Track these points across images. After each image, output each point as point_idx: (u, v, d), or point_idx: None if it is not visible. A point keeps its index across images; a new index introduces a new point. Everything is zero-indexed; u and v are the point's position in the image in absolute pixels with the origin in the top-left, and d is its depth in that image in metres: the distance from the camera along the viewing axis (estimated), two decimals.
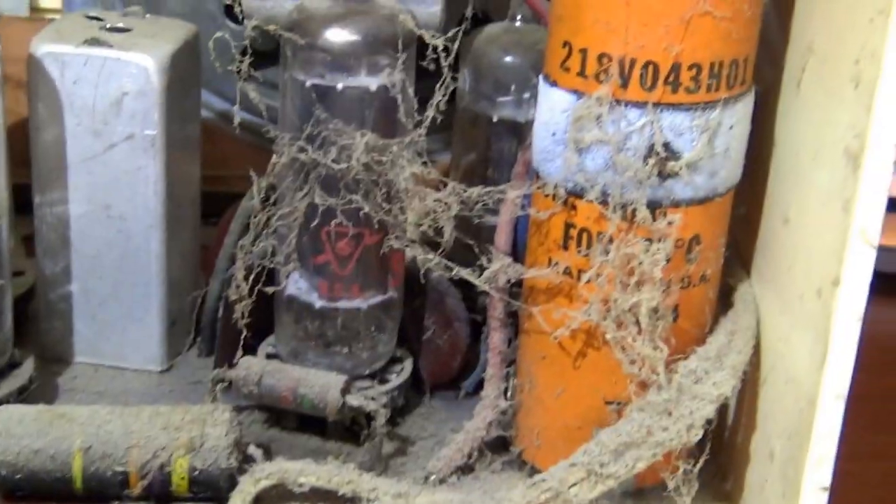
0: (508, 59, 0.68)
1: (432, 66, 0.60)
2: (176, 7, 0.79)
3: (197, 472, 0.57)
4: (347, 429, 0.64)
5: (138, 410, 0.59)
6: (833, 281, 0.50)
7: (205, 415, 0.59)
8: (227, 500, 0.57)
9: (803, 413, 0.53)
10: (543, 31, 0.63)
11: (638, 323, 0.55)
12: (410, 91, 0.60)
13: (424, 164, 0.59)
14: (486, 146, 0.69)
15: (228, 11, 0.77)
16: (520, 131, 0.68)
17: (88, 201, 0.65)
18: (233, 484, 0.57)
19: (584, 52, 0.53)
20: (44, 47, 0.62)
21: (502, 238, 0.61)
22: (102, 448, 0.57)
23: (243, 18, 0.67)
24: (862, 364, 1.03)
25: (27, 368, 0.65)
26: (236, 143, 0.79)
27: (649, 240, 0.55)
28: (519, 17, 0.70)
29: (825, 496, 0.53)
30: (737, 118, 0.55)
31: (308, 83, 0.59)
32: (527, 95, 0.68)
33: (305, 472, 0.58)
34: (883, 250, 0.63)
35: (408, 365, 0.66)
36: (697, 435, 0.54)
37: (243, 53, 0.59)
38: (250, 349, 0.65)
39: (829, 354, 0.51)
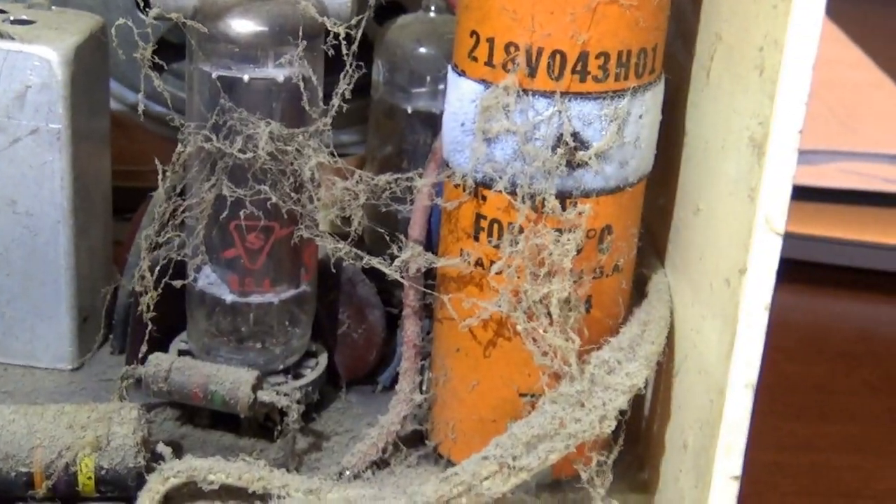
0: (422, 49, 0.68)
1: (344, 57, 0.59)
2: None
3: (104, 472, 0.56)
4: (261, 425, 0.63)
5: (43, 409, 0.58)
6: (740, 269, 0.50)
7: (111, 413, 0.57)
8: (136, 500, 0.56)
9: (714, 403, 0.53)
10: None
11: (549, 314, 0.55)
12: (316, 81, 0.60)
13: (332, 153, 0.58)
14: (401, 138, 0.69)
15: (141, 2, 0.75)
16: (435, 123, 0.66)
17: None
18: (141, 483, 0.56)
19: (490, 41, 0.53)
20: None
21: (416, 228, 0.60)
22: (5, 448, 0.55)
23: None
24: (786, 353, 1.04)
25: None
26: (151, 136, 0.78)
27: (559, 230, 0.54)
28: (433, 7, 0.69)
29: (736, 485, 0.54)
30: (646, 107, 0.55)
31: (214, 75, 0.58)
32: (442, 87, 0.67)
33: (215, 470, 0.57)
34: (792, 238, 0.63)
35: (322, 359, 0.66)
36: (610, 426, 0.54)
37: (155, 44, 0.59)
38: (163, 346, 0.65)
39: (736, 343, 0.51)
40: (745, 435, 0.53)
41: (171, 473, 0.56)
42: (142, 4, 0.69)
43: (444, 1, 0.68)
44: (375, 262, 0.59)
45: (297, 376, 0.64)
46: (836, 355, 1.13)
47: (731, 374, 0.52)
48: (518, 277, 0.55)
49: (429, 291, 0.61)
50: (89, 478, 0.56)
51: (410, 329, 0.62)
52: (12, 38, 0.62)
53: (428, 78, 0.68)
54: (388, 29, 0.68)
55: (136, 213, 0.72)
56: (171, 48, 0.75)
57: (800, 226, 1.17)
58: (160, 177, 0.61)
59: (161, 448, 0.58)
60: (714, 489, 0.53)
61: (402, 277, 0.60)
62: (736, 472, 0.53)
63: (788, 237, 0.52)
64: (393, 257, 0.59)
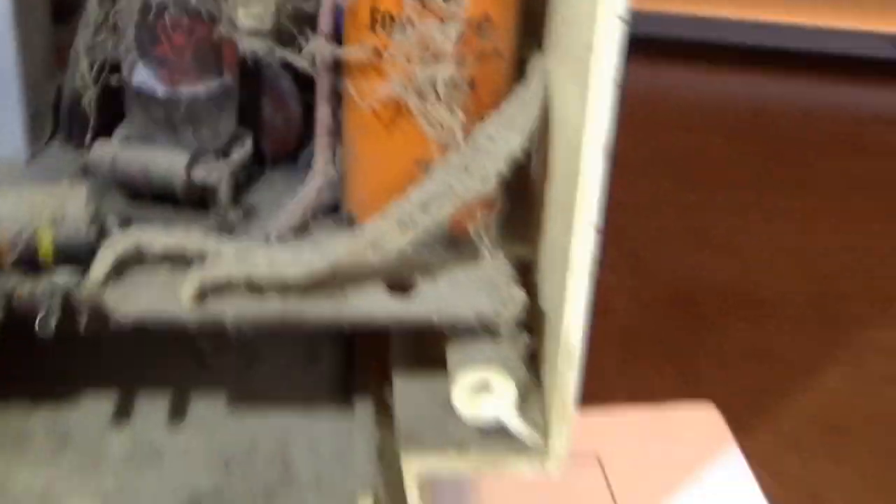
0: None
1: None
2: None
3: (61, 243, 0.58)
4: (197, 202, 0.65)
5: (3, 193, 0.60)
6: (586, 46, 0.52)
7: (64, 192, 0.60)
8: (90, 269, 0.59)
9: (574, 164, 0.55)
10: None
11: (437, 93, 0.58)
12: None
13: None
14: None
15: None
16: None
17: None
18: (94, 253, 0.59)
19: None
20: None
21: (324, 21, 0.61)
22: None
23: None
24: (686, 128, 1.08)
25: None
26: None
27: (442, 19, 0.56)
28: None
29: (593, 233, 0.56)
30: None
31: None
32: None
33: (158, 238, 0.60)
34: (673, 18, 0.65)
35: (248, 143, 0.67)
36: (491, 186, 0.58)
37: None
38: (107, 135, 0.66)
39: (587, 110, 0.53)
40: (600, 189, 0.55)
41: (119, 244, 0.59)
42: None
43: None
44: (288, 54, 0.61)
45: (226, 156, 0.66)
46: (731, 129, 1.19)
47: (591, 134, 0.53)
48: (409, 62, 0.57)
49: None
50: (48, 250, 0.58)
51: (322, 111, 0.64)
52: None
53: None
54: None
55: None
56: None
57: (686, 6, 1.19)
58: None
59: (110, 221, 0.61)
60: (576, 235, 0.56)
61: (313, 67, 0.61)
62: (594, 220, 0.56)
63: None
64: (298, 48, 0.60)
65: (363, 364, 0.77)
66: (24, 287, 0.57)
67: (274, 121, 0.69)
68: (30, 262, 0.58)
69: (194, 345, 0.78)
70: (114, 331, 0.59)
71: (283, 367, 0.78)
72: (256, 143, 0.69)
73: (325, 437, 0.72)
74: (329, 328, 0.62)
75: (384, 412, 0.72)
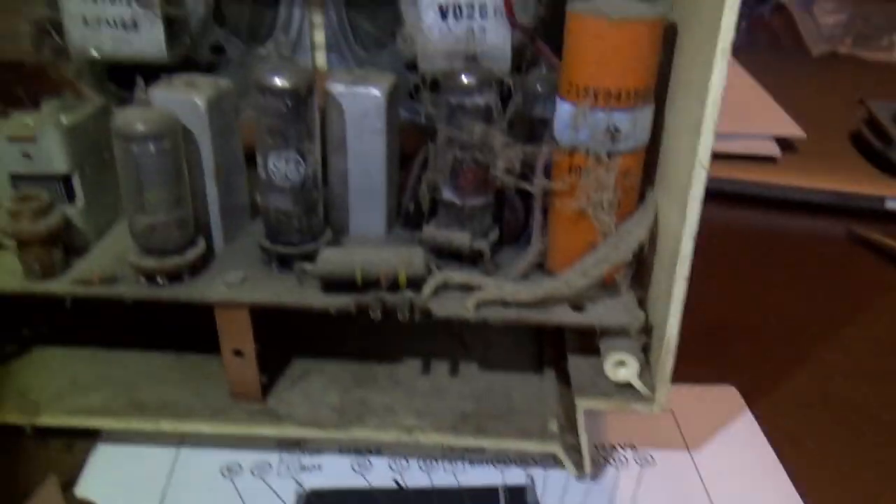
0: (539, 88, 0.71)
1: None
2: None
3: (410, 276, 0.66)
4: (473, 259, 0.70)
5: (381, 249, 0.69)
6: (688, 185, 0.58)
7: (411, 251, 0.68)
8: (424, 287, 0.68)
9: (676, 242, 0.61)
10: None
11: (603, 207, 0.65)
12: (498, 105, 0.66)
13: (507, 145, 0.65)
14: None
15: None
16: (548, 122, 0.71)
17: None
18: (425, 282, 0.67)
19: (577, 84, 0.62)
20: None
21: (539, 168, 0.67)
22: (370, 266, 0.66)
23: None
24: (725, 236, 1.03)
25: None
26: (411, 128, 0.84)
27: (607, 169, 0.64)
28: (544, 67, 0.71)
29: (685, 283, 0.61)
30: (646, 114, 0.64)
31: (453, 101, 0.66)
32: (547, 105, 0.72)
33: (456, 276, 0.68)
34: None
35: (496, 230, 0.72)
36: (629, 257, 0.65)
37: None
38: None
39: (687, 218, 0.59)
40: (690, 255, 0.60)
41: (437, 278, 0.68)
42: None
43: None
44: (520, 183, 0.68)
45: (486, 238, 0.71)
46: (745, 238, 1.17)
47: (684, 233, 0.59)
48: (589, 191, 0.65)
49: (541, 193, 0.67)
50: (403, 280, 0.68)
51: (538, 216, 0.71)
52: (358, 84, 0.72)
53: (548, 103, 0.72)
54: (524, 77, 0.71)
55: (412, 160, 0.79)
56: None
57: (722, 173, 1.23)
58: (424, 148, 0.73)
59: (432, 267, 0.68)
60: (676, 284, 0.62)
61: (534, 191, 0.69)
62: (686, 274, 0.61)
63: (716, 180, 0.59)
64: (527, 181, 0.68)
65: (547, 349, 0.84)
66: (392, 298, 0.68)
67: (509, 219, 0.74)
68: (394, 286, 0.67)
69: (462, 335, 0.86)
70: (428, 323, 0.67)
71: (505, 349, 0.84)
72: (500, 231, 0.73)
73: (529, 388, 0.78)
74: (539, 326, 0.68)
75: (561, 375, 0.79)
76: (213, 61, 0.88)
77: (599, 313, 0.68)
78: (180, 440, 0.78)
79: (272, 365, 0.77)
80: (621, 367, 0.68)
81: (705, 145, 0.56)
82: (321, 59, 0.87)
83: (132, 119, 0.67)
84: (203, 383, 0.79)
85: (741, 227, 1.20)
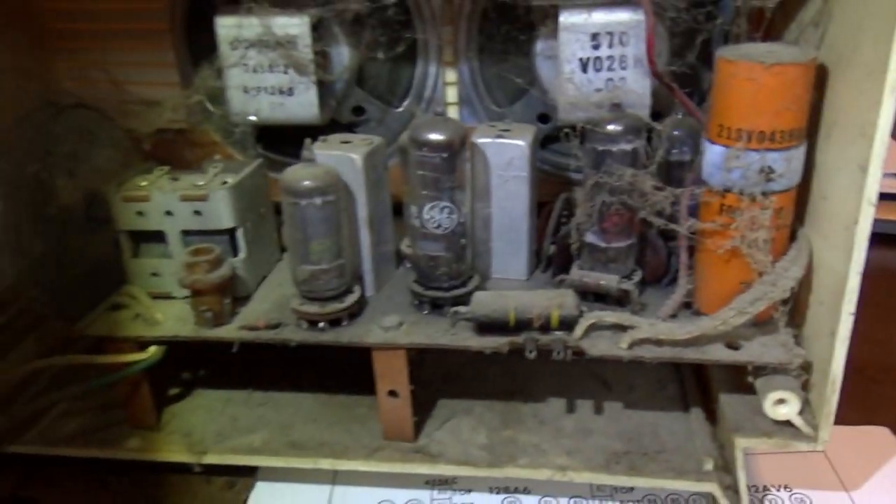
0: (677, 133, 0.71)
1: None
2: None
3: (562, 317, 0.66)
4: (620, 300, 0.69)
5: (532, 293, 0.69)
6: (854, 222, 0.57)
7: (562, 293, 0.68)
8: (575, 327, 0.67)
9: (839, 282, 0.59)
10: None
11: (757, 245, 0.63)
12: (643, 148, 0.66)
13: (656, 187, 0.66)
14: (667, 170, 0.72)
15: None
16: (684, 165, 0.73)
17: None
18: (576, 322, 0.66)
19: (728, 127, 0.61)
20: None
21: (683, 211, 0.67)
22: (522, 308, 0.67)
23: None
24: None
25: None
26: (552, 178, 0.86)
27: (762, 208, 0.62)
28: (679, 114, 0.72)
29: (852, 319, 0.59)
30: (799, 154, 0.62)
31: (599, 148, 0.66)
32: (685, 148, 0.72)
33: (607, 316, 0.67)
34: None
35: (639, 272, 0.71)
36: (787, 294, 0.63)
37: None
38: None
39: (853, 253, 0.57)
40: (857, 294, 0.58)
41: (589, 318, 0.67)
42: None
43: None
44: (672, 225, 0.67)
45: (629, 279, 0.70)
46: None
47: (851, 269, 0.58)
48: (744, 230, 0.63)
49: (691, 236, 0.66)
50: (556, 321, 0.67)
51: (684, 256, 0.70)
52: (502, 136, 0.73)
53: (684, 147, 0.73)
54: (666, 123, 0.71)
55: (546, 206, 0.80)
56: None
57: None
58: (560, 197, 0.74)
59: (580, 309, 0.68)
60: (842, 321, 0.60)
61: (679, 232, 0.67)
62: (852, 310, 0.59)
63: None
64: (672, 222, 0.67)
65: (690, 388, 0.81)
66: (544, 339, 0.68)
67: (651, 261, 0.74)
68: (546, 326, 0.67)
69: (604, 375, 0.84)
70: (567, 363, 0.66)
71: (647, 388, 0.83)
72: (642, 273, 0.72)
73: (677, 427, 0.76)
74: (689, 364, 0.69)
75: (708, 414, 0.76)
76: (353, 121, 0.90)
77: (757, 351, 0.66)
78: (333, 478, 0.78)
79: (420, 406, 0.77)
80: (781, 405, 0.66)
81: (873, 183, 0.55)
82: (454, 114, 0.89)
83: (300, 176, 0.69)
84: (354, 423, 0.79)
85: (890, 267, 1.14)
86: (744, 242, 0.64)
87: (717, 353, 0.66)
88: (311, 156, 0.70)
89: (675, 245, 0.72)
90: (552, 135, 0.86)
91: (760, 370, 0.67)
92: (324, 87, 0.82)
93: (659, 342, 0.67)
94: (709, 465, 0.70)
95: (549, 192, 0.83)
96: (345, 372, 0.86)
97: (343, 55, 0.82)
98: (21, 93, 0.82)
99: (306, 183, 0.68)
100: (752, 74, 0.59)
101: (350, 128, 0.90)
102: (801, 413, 0.65)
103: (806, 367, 0.66)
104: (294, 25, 0.76)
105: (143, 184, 0.77)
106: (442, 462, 0.73)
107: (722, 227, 0.65)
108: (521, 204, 0.76)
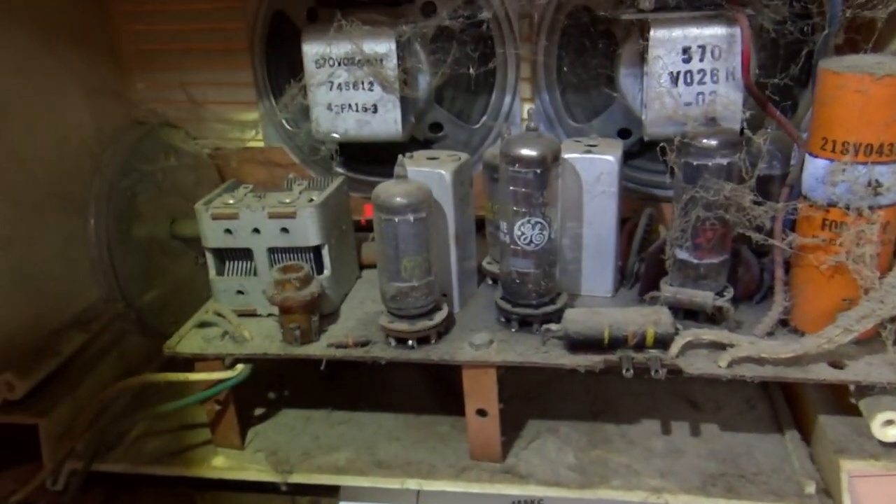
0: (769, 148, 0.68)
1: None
2: None
3: (657, 335, 0.66)
4: (714, 317, 0.68)
5: (622, 309, 0.68)
6: None
7: (657, 311, 0.67)
8: (671, 344, 0.65)
9: None
10: None
11: (864, 261, 0.62)
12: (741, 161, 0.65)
13: (755, 202, 0.64)
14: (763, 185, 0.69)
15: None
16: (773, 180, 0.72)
17: None
18: (673, 339, 0.65)
19: (833, 140, 0.60)
20: None
21: (778, 228, 0.66)
22: (617, 325, 0.66)
23: None
24: None
25: None
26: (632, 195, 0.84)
27: (870, 223, 0.61)
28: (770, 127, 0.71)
29: None
30: None
31: (694, 162, 0.66)
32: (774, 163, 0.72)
33: (706, 334, 0.66)
34: None
35: (731, 289, 0.70)
36: (895, 311, 0.61)
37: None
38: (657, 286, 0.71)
39: None
40: None
41: (685, 336, 0.66)
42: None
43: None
44: (770, 240, 0.66)
45: (721, 296, 0.70)
46: None
47: None
48: (850, 245, 0.62)
49: (789, 249, 0.65)
50: (651, 338, 0.66)
51: (779, 272, 0.68)
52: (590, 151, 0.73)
53: (773, 161, 0.71)
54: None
55: (629, 222, 0.79)
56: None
57: None
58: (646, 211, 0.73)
59: (676, 325, 0.66)
60: None
61: (773, 246, 0.66)
62: None
63: None
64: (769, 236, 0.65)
65: (782, 408, 0.79)
66: (640, 356, 0.67)
67: (743, 277, 0.73)
68: (641, 345, 0.67)
69: (690, 394, 0.82)
70: (654, 383, 0.64)
71: (736, 409, 0.80)
72: (735, 290, 0.71)
73: (772, 448, 0.74)
74: (794, 383, 0.66)
75: (804, 435, 0.74)
76: (430, 138, 0.91)
77: (863, 371, 0.64)
78: (416, 499, 0.77)
79: (504, 425, 0.76)
80: (890, 426, 0.64)
81: None
82: None
83: (394, 192, 0.69)
84: (438, 443, 0.78)
85: None
86: (849, 258, 0.62)
87: (822, 373, 0.64)
88: (403, 172, 0.70)
89: (767, 261, 0.71)
90: (633, 150, 0.86)
91: (866, 390, 0.65)
92: (405, 105, 0.82)
93: (760, 361, 0.65)
94: (811, 488, 0.68)
95: (630, 207, 0.83)
96: (423, 391, 0.85)
97: (425, 72, 0.83)
98: (108, 113, 0.83)
99: (399, 199, 0.68)
100: (861, 86, 0.58)
101: (427, 144, 0.90)
102: None
103: None
104: (382, 44, 0.76)
105: (231, 202, 0.78)
106: (532, 483, 0.72)
107: (825, 242, 0.64)
108: (609, 219, 0.75)
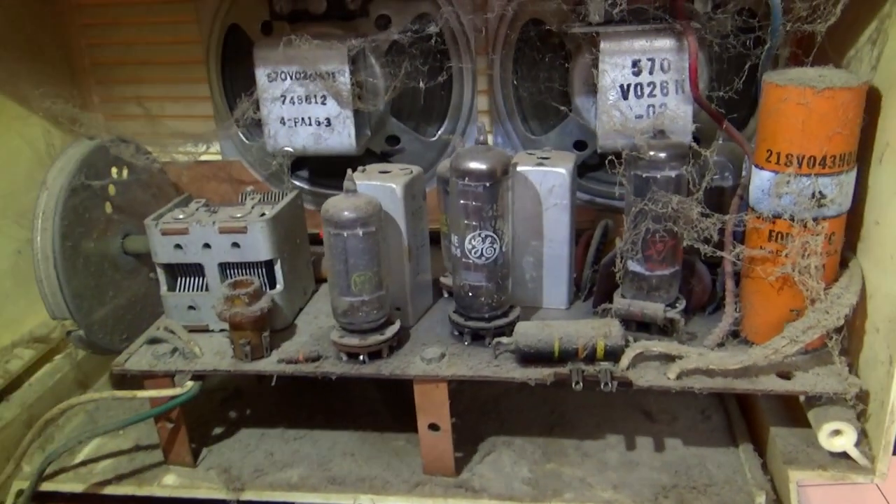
0: (717, 159, 0.70)
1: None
2: None
3: (607, 347, 0.65)
4: (665, 329, 0.68)
5: (573, 322, 0.67)
6: None
7: (608, 323, 0.66)
8: (621, 356, 0.65)
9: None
10: None
11: (809, 272, 0.61)
12: (687, 173, 0.64)
13: (703, 214, 0.63)
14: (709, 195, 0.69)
15: None
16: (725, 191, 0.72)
17: None
18: (622, 352, 0.65)
19: (778, 153, 0.60)
20: None
21: (728, 239, 0.66)
22: (568, 338, 0.65)
23: None
24: None
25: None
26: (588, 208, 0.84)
27: (814, 234, 0.61)
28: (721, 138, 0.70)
29: None
30: (850, 179, 0.61)
31: (643, 175, 0.65)
32: (727, 174, 0.72)
33: (655, 345, 0.65)
34: None
35: (683, 300, 0.70)
36: (840, 322, 0.61)
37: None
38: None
39: None
40: None
41: (635, 349, 0.66)
42: None
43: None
44: (718, 252, 0.66)
45: (673, 308, 0.69)
46: None
47: None
48: (795, 257, 0.62)
49: (738, 262, 0.65)
50: (602, 351, 0.65)
51: (729, 284, 0.68)
52: (543, 164, 0.72)
53: (725, 172, 0.72)
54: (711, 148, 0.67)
55: (585, 235, 0.79)
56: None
57: None
58: (601, 223, 0.73)
59: (626, 338, 0.66)
60: None
61: (724, 258, 0.66)
62: None
63: None
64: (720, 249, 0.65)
65: (736, 419, 0.79)
66: (590, 369, 0.66)
67: (696, 288, 0.73)
68: (592, 357, 0.66)
69: (646, 406, 0.82)
70: (608, 395, 0.64)
71: (691, 420, 0.80)
72: (687, 301, 0.71)
73: (724, 460, 0.74)
74: (742, 393, 0.65)
75: (755, 446, 0.74)
76: (386, 150, 0.90)
77: (810, 381, 0.64)
78: None
79: (459, 439, 0.75)
80: (837, 436, 0.64)
81: None
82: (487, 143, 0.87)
83: (342, 207, 0.68)
84: (393, 458, 0.77)
85: None
86: (795, 269, 0.62)
87: (769, 384, 0.64)
88: (352, 186, 0.69)
89: (719, 272, 0.71)
90: (588, 162, 0.85)
91: (814, 400, 0.65)
92: (360, 118, 0.82)
93: (709, 372, 0.65)
94: (761, 499, 0.68)
95: (585, 219, 0.83)
96: (380, 406, 0.85)
97: (380, 85, 0.82)
98: (60, 127, 0.82)
99: (348, 214, 0.67)
100: (802, 99, 0.58)
101: (384, 157, 0.90)
102: (857, 444, 0.63)
103: (862, 397, 0.64)
104: (333, 58, 0.75)
105: (181, 216, 0.76)
106: (485, 497, 0.71)
107: (772, 253, 0.64)
108: (563, 232, 0.74)
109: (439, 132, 0.89)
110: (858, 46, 0.64)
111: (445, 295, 0.81)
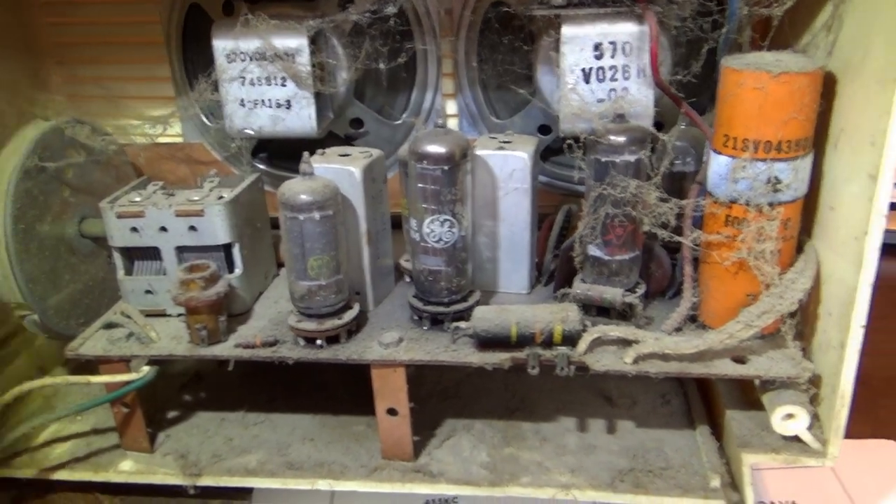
0: (679, 143, 0.71)
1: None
2: None
3: (565, 332, 0.64)
4: (624, 314, 0.67)
5: (533, 307, 0.66)
6: (864, 233, 0.55)
7: (566, 307, 0.66)
8: (578, 342, 0.64)
9: (850, 294, 0.57)
10: None
11: (765, 257, 0.61)
12: (647, 159, 0.64)
13: (661, 198, 0.63)
14: (669, 181, 0.69)
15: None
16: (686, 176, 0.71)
17: None
18: (580, 337, 0.64)
19: (735, 137, 0.59)
20: None
21: (687, 225, 0.65)
22: (524, 322, 0.64)
23: None
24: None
25: None
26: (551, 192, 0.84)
27: (770, 219, 0.60)
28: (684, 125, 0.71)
29: (862, 331, 0.57)
30: (806, 164, 0.61)
31: (603, 159, 0.64)
32: (689, 159, 0.71)
33: (612, 330, 0.64)
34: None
35: (643, 285, 0.70)
36: (794, 307, 0.61)
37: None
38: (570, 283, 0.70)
39: (864, 264, 0.55)
40: (869, 299, 0.56)
41: (593, 333, 0.65)
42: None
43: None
44: (676, 237, 0.65)
45: (633, 292, 0.69)
46: None
47: (861, 278, 0.56)
48: (750, 241, 0.61)
49: (696, 248, 0.64)
50: (559, 335, 0.65)
51: (688, 269, 0.68)
52: (503, 148, 0.71)
53: (687, 158, 0.72)
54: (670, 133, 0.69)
55: (548, 219, 0.78)
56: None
57: None
58: (563, 207, 0.73)
59: (584, 322, 0.65)
60: (852, 333, 0.58)
61: (683, 243, 0.65)
62: (863, 322, 0.57)
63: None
64: (678, 234, 0.64)
65: (695, 403, 0.79)
66: (547, 354, 0.65)
67: (655, 273, 0.73)
68: (549, 341, 0.66)
69: (606, 390, 0.82)
70: (569, 380, 0.65)
71: (651, 404, 0.80)
72: (647, 286, 0.71)
73: (682, 443, 0.74)
74: (698, 377, 0.65)
75: (714, 430, 0.74)
76: (351, 133, 0.88)
77: (764, 366, 0.64)
78: (331, 499, 0.76)
79: (419, 424, 0.74)
80: (790, 420, 0.63)
81: (883, 192, 0.54)
82: (453, 126, 0.87)
83: (298, 190, 0.66)
84: (352, 442, 0.76)
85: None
86: (751, 254, 0.62)
87: (724, 368, 0.64)
88: (309, 169, 0.67)
89: (679, 257, 0.71)
90: (553, 146, 0.84)
91: (768, 384, 0.65)
92: (322, 100, 0.80)
93: (665, 356, 0.65)
94: (716, 482, 0.68)
95: (549, 204, 0.82)
96: (342, 390, 0.84)
97: (342, 67, 0.80)
98: (14, 108, 0.80)
99: (304, 197, 0.66)
100: (758, 83, 0.58)
101: (348, 140, 0.88)
102: (809, 428, 0.63)
103: (815, 381, 0.64)
104: (293, 39, 0.74)
105: (138, 199, 0.75)
106: (443, 481, 0.71)
107: (728, 238, 0.63)
108: (523, 216, 0.74)
109: (404, 115, 0.87)
110: (814, 31, 0.63)
111: (407, 279, 0.80)
